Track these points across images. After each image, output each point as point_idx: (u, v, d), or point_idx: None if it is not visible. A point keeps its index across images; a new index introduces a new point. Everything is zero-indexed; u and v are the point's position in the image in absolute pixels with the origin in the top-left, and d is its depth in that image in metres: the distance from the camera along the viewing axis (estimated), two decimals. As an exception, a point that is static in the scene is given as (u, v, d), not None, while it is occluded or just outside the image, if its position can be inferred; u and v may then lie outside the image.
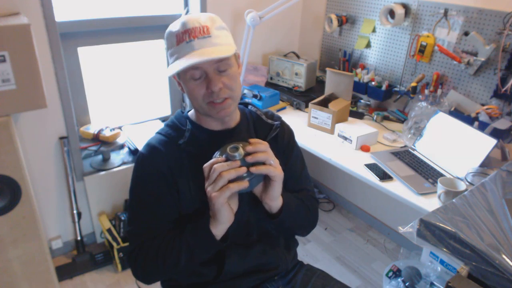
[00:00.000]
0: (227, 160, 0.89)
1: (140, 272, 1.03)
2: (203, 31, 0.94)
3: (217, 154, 0.92)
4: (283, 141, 1.17)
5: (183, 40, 0.95)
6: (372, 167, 1.72)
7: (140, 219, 1.04)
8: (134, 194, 1.06)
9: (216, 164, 0.88)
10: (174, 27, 0.97)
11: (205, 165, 0.90)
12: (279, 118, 1.19)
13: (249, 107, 1.20)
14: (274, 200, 0.99)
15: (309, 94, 2.39)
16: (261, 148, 0.91)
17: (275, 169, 0.92)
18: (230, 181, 0.87)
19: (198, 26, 0.94)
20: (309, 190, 1.23)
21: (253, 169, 0.89)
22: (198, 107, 1.02)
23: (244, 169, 0.87)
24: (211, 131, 1.07)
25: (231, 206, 0.92)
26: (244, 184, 0.87)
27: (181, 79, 1.01)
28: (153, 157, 1.03)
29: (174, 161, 1.03)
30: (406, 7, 2.07)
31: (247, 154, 0.89)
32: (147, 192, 1.03)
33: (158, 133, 1.09)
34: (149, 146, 1.05)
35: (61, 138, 2.03)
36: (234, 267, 1.08)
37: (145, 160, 1.04)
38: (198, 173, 1.02)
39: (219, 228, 0.93)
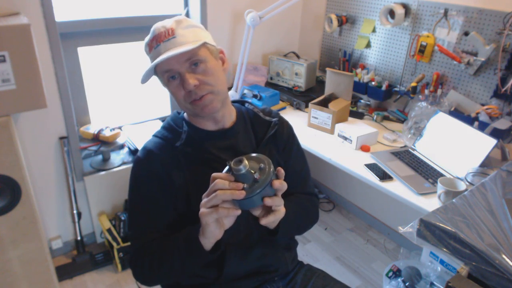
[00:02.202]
0: (234, 174, 0.82)
1: (140, 276, 1.03)
2: (167, 34, 0.95)
3: (227, 166, 0.86)
4: (282, 138, 1.15)
5: (152, 47, 0.97)
6: (372, 167, 1.72)
7: (138, 223, 1.04)
8: (132, 198, 1.06)
9: (219, 179, 0.82)
10: (147, 37, 0.99)
11: (214, 174, 0.84)
12: (277, 114, 1.17)
13: (246, 105, 1.18)
14: (270, 225, 0.96)
15: (309, 94, 2.39)
16: (284, 188, 0.85)
17: (279, 212, 0.88)
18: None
19: (163, 30, 0.95)
20: (310, 188, 1.22)
21: (266, 201, 0.84)
22: (184, 109, 1.03)
23: (242, 194, 0.81)
24: (208, 132, 1.07)
25: (224, 222, 0.86)
26: (235, 212, 0.82)
27: (165, 86, 1.02)
28: (149, 161, 1.03)
29: (171, 163, 1.02)
30: (406, 7, 2.06)
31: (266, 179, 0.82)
32: (143, 196, 1.03)
33: (154, 135, 1.09)
34: (145, 150, 1.05)
35: (61, 138, 2.03)
36: (234, 269, 1.08)
37: (141, 164, 1.04)
38: (195, 173, 1.02)
39: (205, 242, 0.89)
